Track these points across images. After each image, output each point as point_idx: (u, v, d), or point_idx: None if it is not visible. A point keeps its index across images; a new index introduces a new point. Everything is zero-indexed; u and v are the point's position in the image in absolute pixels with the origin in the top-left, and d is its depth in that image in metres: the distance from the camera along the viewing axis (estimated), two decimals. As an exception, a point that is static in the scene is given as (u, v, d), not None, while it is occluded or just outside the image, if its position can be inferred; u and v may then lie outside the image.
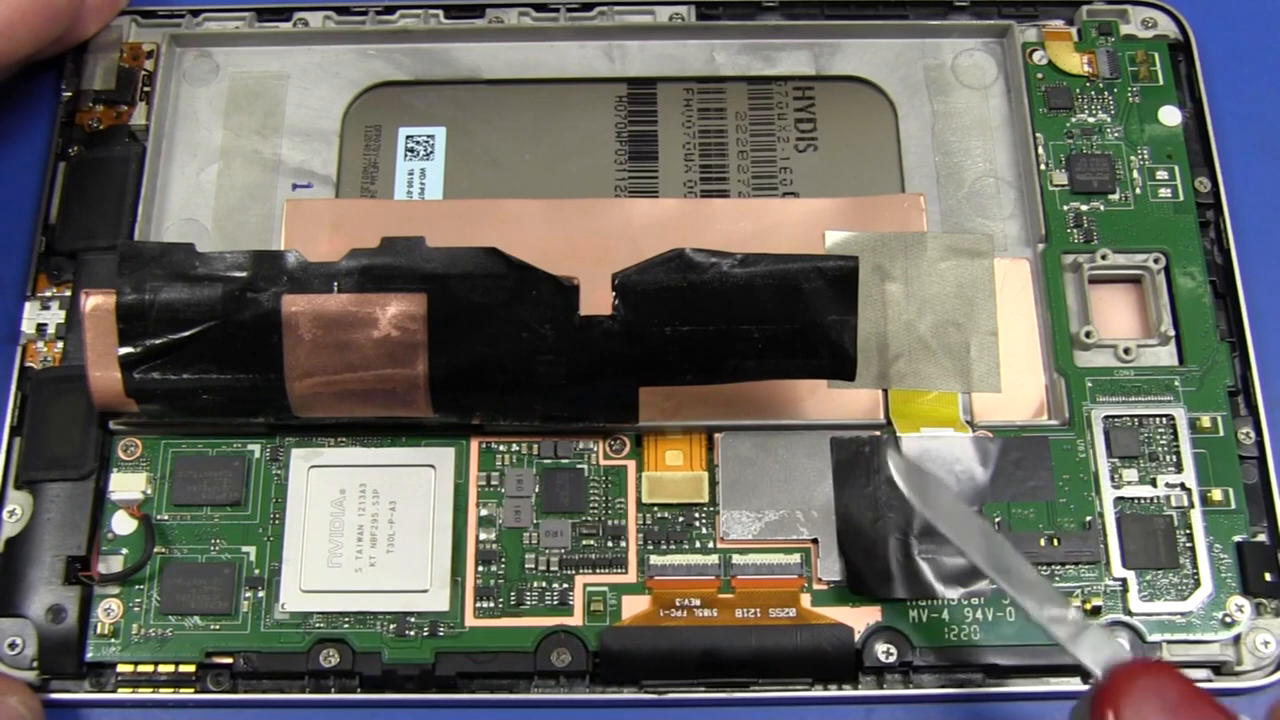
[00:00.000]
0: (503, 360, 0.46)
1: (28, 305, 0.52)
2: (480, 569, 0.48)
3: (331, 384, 0.47)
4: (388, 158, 0.55)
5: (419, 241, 0.46)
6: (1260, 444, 0.50)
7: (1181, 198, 0.53)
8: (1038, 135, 0.54)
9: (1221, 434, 0.50)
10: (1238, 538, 0.48)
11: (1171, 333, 0.51)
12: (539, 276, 0.46)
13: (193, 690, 0.47)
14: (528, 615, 0.48)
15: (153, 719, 0.48)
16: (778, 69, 0.56)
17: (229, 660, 0.47)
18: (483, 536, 0.48)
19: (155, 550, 0.48)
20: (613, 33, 0.57)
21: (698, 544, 0.49)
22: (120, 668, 0.47)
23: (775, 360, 0.47)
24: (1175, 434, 0.50)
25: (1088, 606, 0.47)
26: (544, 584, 0.48)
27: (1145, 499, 0.49)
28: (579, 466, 0.49)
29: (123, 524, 0.48)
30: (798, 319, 0.46)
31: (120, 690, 0.47)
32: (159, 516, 0.49)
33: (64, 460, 0.49)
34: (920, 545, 0.47)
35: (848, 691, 0.47)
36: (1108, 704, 0.40)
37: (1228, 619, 0.47)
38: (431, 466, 0.49)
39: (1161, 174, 0.54)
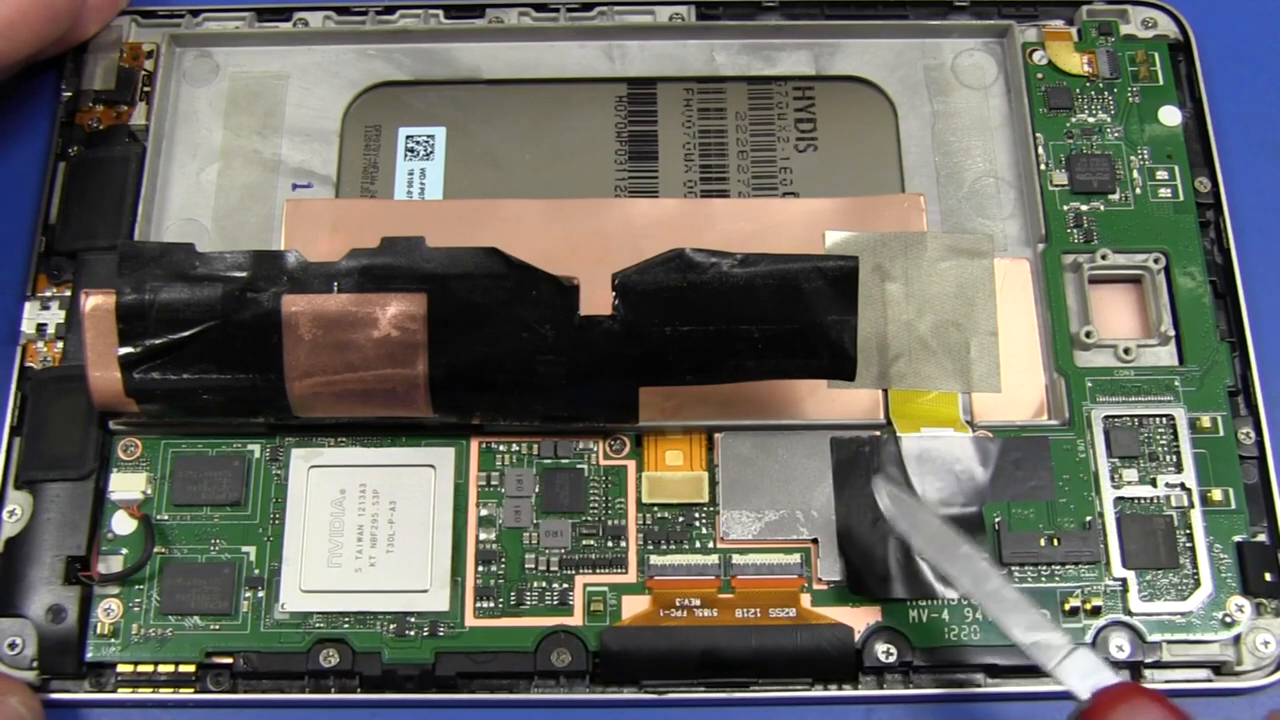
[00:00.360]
0: (503, 360, 0.46)
1: (28, 305, 0.52)
2: (480, 569, 0.48)
3: (331, 384, 0.47)
4: (388, 158, 0.55)
5: (419, 241, 0.46)
6: (1260, 444, 0.50)
7: (1181, 198, 0.53)
8: (1038, 135, 0.54)
9: (1221, 434, 0.50)
10: (1238, 538, 0.48)
11: (1171, 333, 0.51)
12: (539, 276, 0.46)
13: (193, 690, 0.47)
14: (528, 615, 0.48)
15: (153, 719, 0.48)
16: (778, 69, 0.56)
17: (229, 660, 0.47)
18: (483, 536, 0.48)
19: (155, 550, 0.48)
20: (613, 33, 0.57)
21: (698, 544, 0.48)
22: (120, 668, 0.47)
23: (775, 360, 0.47)
24: (1175, 434, 0.50)
25: (1088, 606, 0.47)
26: (544, 584, 0.48)
27: (1145, 499, 0.49)
28: (579, 466, 0.49)
29: (123, 524, 0.48)
30: (798, 319, 0.46)
31: (120, 690, 0.47)
32: (159, 516, 0.49)
33: (64, 460, 0.49)
34: (920, 545, 0.47)
35: (848, 691, 0.47)
36: None
37: (1228, 619, 0.47)
38: (431, 466, 0.49)
39: (1161, 174, 0.54)
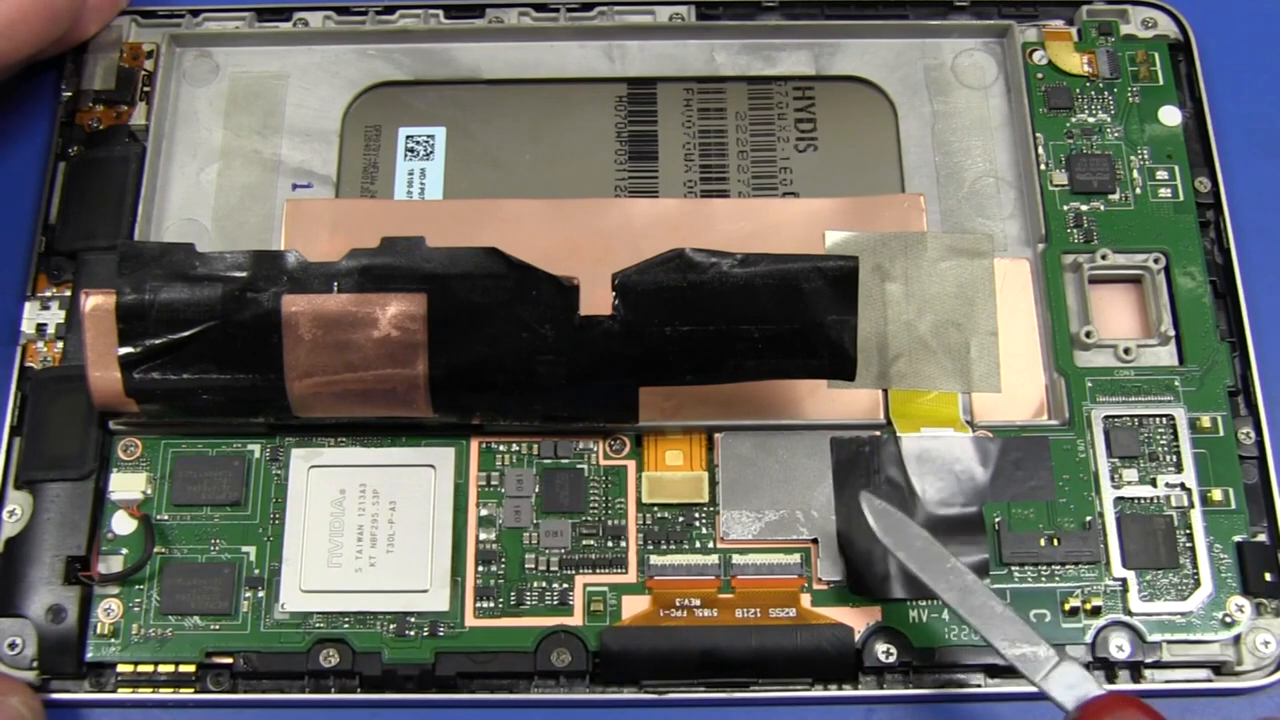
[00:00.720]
0: (503, 360, 0.46)
1: (28, 305, 0.52)
2: (480, 569, 0.48)
3: (331, 384, 0.47)
4: (388, 158, 0.55)
5: (419, 241, 0.46)
6: (1260, 444, 0.50)
7: (1181, 198, 0.53)
8: (1038, 135, 0.54)
9: (1221, 434, 0.50)
10: (1238, 538, 0.48)
11: (1171, 333, 0.51)
12: (539, 276, 0.46)
13: (193, 690, 0.47)
14: (528, 615, 0.48)
15: (153, 719, 0.48)
16: (778, 69, 0.56)
17: (229, 660, 0.47)
18: (483, 536, 0.48)
19: (155, 550, 0.48)
20: (613, 33, 0.57)
21: (698, 544, 0.48)
22: (120, 668, 0.47)
23: (775, 360, 0.47)
24: (1175, 434, 0.50)
25: (1088, 606, 0.47)
26: (544, 584, 0.48)
27: (1145, 499, 0.49)
28: (579, 466, 0.49)
29: (123, 524, 0.48)
30: (798, 319, 0.46)
31: (120, 690, 0.47)
32: (159, 516, 0.49)
33: (64, 460, 0.49)
34: (920, 545, 0.47)
35: (848, 691, 0.47)
36: None
37: (1228, 619, 0.47)
38: (431, 466, 0.49)
39: (1161, 174, 0.54)
